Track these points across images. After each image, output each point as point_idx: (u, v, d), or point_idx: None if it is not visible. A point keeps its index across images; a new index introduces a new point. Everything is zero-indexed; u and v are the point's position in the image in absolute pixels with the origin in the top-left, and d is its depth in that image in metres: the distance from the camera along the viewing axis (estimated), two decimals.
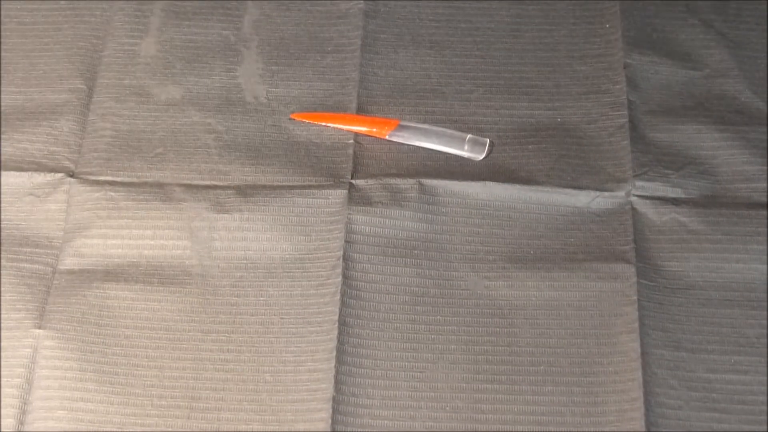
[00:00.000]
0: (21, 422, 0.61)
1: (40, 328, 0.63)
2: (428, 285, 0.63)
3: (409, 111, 0.69)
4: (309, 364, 0.61)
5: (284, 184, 0.67)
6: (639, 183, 0.66)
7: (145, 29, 0.73)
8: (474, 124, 0.68)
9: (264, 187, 0.67)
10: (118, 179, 0.68)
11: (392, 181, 0.66)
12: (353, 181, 0.66)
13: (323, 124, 0.69)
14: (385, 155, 0.68)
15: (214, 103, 0.71)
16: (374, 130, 0.67)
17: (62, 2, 0.73)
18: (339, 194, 0.66)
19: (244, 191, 0.67)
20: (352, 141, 0.68)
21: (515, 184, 0.66)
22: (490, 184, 0.66)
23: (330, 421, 0.59)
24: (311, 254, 0.65)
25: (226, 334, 0.63)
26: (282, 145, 0.69)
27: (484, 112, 0.69)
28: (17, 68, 0.72)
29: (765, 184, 0.66)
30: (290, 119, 0.68)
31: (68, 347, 0.62)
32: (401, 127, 0.66)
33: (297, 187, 0.67)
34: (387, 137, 0.66)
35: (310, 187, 0.67)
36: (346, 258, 0.64)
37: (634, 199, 0.65)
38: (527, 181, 0.66)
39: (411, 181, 0.66)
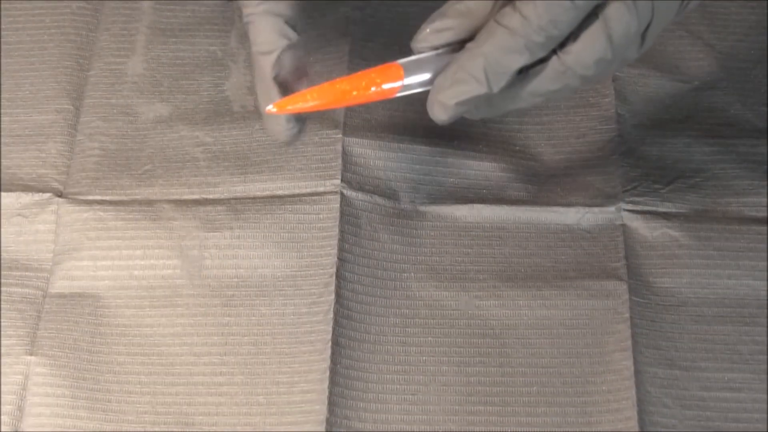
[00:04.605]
0: None
1: (31, 354, 0.62)
2: (418, 306, 0.63)
3: (397, 118, 0.68)
4: (302, 385, 0.61)
5: (275, 193, 0.66)
6: (629, 198, 0.66)
7: (132, 48, 0.72)
8: (463, 137, 0.68)
9: (254, 200, 0.66)
10: (107, 198, 0.67)
11: (381, 201, 0.66)
12: (344, 192, 0.66)
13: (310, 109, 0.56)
14: (372, 157, 0.67)
15: (201, 117, 0.70)
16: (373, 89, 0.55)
17: (47, 21, 0.73)
18: (330, 209, 0.66)
19: (235, 207, 0.66)
20: (340, 136, 0.67)
21: (503, 205, 0.66)
22: (477, 206, 0.66)
23: None
24: (303, 271, 0.64)
25: (219, 356, 0.62)
26: (270, 149, 0.68)
27: (470, 126, 0.69)
28: (2, 89, 0.71)
29: (756, 199, 0.65)
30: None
31: (60, 374, 0.62)
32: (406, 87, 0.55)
33: (288, 199, 0.66)
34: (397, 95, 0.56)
35: (301, 200, 0.66)
36: (338, 276, 0.63)
37: (624, 214, 0.65)
38: (515, 201, 0.66)
39: (400, 205, 0.66)
